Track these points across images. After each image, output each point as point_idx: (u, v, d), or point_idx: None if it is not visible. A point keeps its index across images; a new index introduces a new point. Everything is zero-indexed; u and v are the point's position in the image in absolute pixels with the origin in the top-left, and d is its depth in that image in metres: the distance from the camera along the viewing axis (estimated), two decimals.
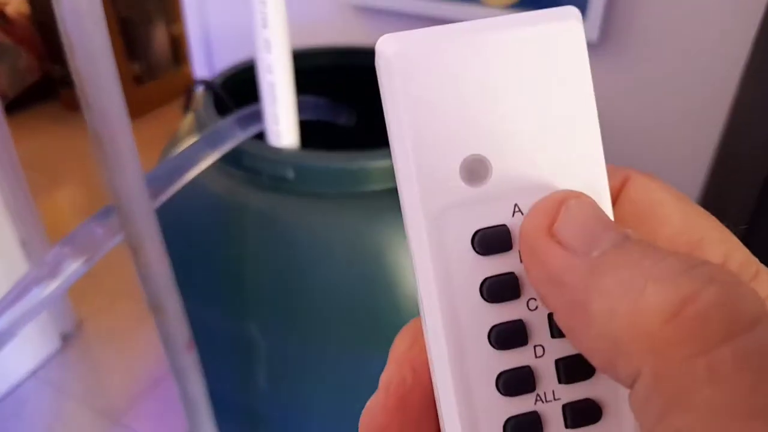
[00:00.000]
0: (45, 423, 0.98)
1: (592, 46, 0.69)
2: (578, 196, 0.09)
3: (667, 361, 0.08)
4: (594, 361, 0.09)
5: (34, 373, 1.07)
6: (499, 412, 0.11)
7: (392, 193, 0.46)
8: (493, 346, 0.11)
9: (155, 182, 0.42)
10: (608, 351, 0.09)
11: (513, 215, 0.10)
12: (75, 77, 0.32)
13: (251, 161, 0.47)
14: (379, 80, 0.10)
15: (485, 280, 0.10)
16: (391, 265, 0.44)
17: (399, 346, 0.12)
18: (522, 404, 0.11)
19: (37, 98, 2.04)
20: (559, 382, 0.11)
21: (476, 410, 0.11)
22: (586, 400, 0.11)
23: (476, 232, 0.10)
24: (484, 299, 0.10)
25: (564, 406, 0.11)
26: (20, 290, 0.39)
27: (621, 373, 0.09)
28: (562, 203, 0.09)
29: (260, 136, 0.49)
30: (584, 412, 0.10)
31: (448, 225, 0.10)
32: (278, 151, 0.47)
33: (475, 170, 0.10)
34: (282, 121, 0.47)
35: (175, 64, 2.16)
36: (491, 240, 0.10)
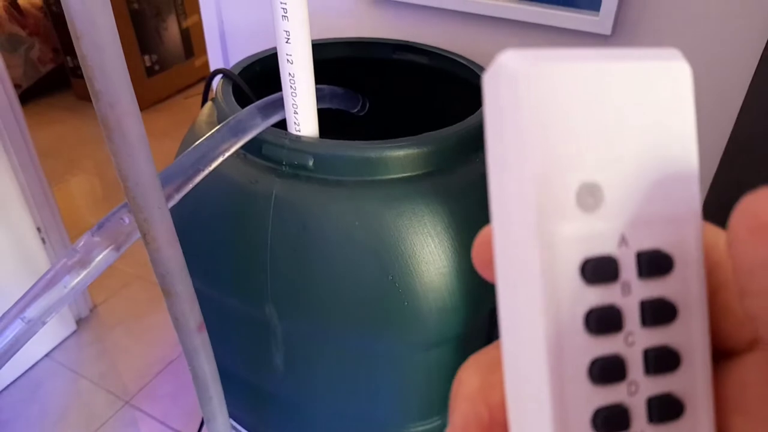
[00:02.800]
0: (60, 404, 1.01)
1: (604, 38, 0.70)
2: None
3: None
4: None
5: (49, 356, 1.10)
6: (588, 404, 0.10)
7: (409, 181, 0.47)
8: (592, 381, 0.10)
9: (180, 172, 0.43)
10: None
11: (619, 246, 0.10)
12: (82, 64, 0.32)
13: (271, 150, 0.48)
14: (489, 94, 0.10)
15: (591, 310, 0.10)
16: (408, 252, 0.45)
17: (469, 384, 0.12)
18: (612, 395, 0.11)
19: (51, 88, 2.07)
20: (649, 420, 0.11)
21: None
22: None
23: (586, 260, 0.10)
24: (588, 330, 0.10)
25: None
26: (51, 278, 0.40)
27: None
28: None
29: (280, 124, 0.50)
30: None
31: (559, 250, 0.10)
32: (298, 140, 0.48)
33: (589, 197, 0.10)
34: (302, 110, 0.48)
35: (186, 56, 2.17)
36: (601, 268, 0.10)
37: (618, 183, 0.10)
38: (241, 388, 0.60)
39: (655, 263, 0.10)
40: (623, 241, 0.10)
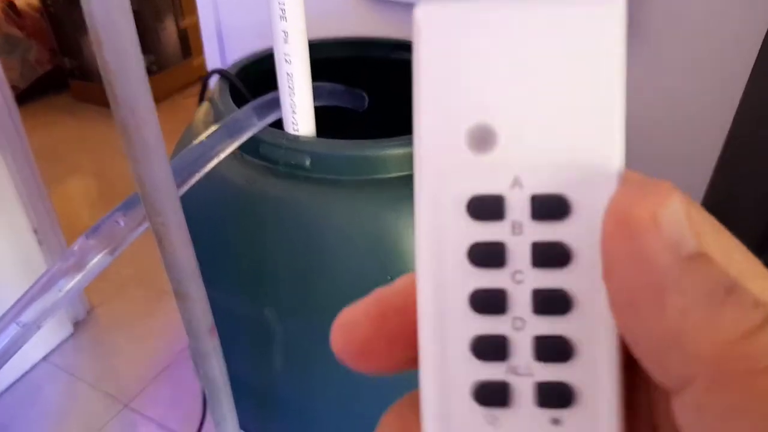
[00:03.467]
0: (57, 407, 1.00)
1: None
2: (680, 192, 0.09)
3: (730, 372, 0.08)
4: (640, 349, 0.09)
5: (46, 359, 1.09)
6: (468, 375, 0.11)
7: (407, 180, 0.47)
8: (473, 309, 0.11)
9: (176, 173, 0.43)
10: (665, 347, 0.09)
11: (512, 187, 0.10)
12: (102, 70, 0.33)
13: (268, 149, 0.48)
14: (413, 35, 0.11)
15: (474, 244, 0.11)
16: (406, 251, 0.45)
17: (405, 277, 0.12)
18: (493, 371, 0.11)
19: (48, 90, 2.06)
20: (535, 359, 0.11)
21: (448, 369, 0.11)
22: (560, 383, 0.11)
23: (472, 198, 0.10)
24: (471, 263, 0.11)
25: (537, 384, 0.11)
26: (46, 282, 0.40)
27: (671, 372, 0.09)
28: (670, 193, 0.09)
29: (276, 124, 0.50)
30: (556, 393, 0.11)
31: (446, 187, 0.10)
32: (295, 139, 0.48)
33: (482, 139, 0.10)
34: (299, 110, 0.48)
35: (184, 56, 2.17)
36: (486, 206, 0.10)
37: (515, 126, 0.10)
38: (243, 391, 0.60)
39: (550, 206, 0.10)
40: (517, 182, 0.10)
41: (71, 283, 0.40)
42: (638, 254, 0.09)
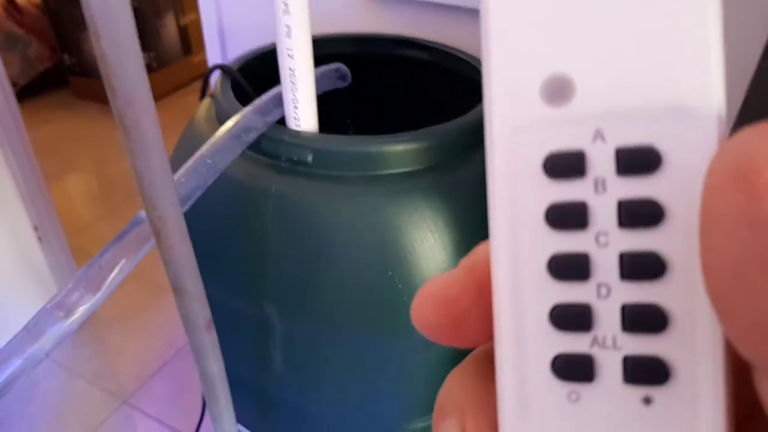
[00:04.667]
0: (56, 403, 1.00)
1: None
2: None
3: None
4: (735, 325, 0.08)
5: (46, 354, 1.09)
6: (548, 347, 0.10)
7: (410, 176, 0.47)
8: (552, 276, 0.10)
9: (188, 186, 0.43)
10: None
11: (593, 141, 0.09)
12: (100, 62, 0.32)
13: (270, 145, 0.48)
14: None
15: (552, 205, 0.10)
16: (409, 248, 0.44)
17: (486, 247, 0.11)
18: (575, 343, 0.10)
19: (48, 86, 2.06)
20: (624, 330, 0.09)
21: (526, 340, 0.10)
22: (653, 356, 0.09)
23: (549, 155, 0.09)
24: (549, 225, 0.10)
25: (625, 358, 0.10)
26: (35, 332, 0.39)
27: None
28: None
29: (278, 119, 0.50)
30: (648, 369, 0.09)
31: (521, 144, 0.10)
32: (297, 135, 0.48)
33: (559, 90, 0.09)
34: (302, 105, 0.48)
35: (184, 53, 2.17)
36: (565, 163, 0.09)
37: (593, 75, 0.09)
38: (241, 387, 0.60)
39: (638, 159, 0.09)
40: (598, 135, 0.09)
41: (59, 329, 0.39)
42: (755, 215, 0.07)
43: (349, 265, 0.45)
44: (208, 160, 0.45)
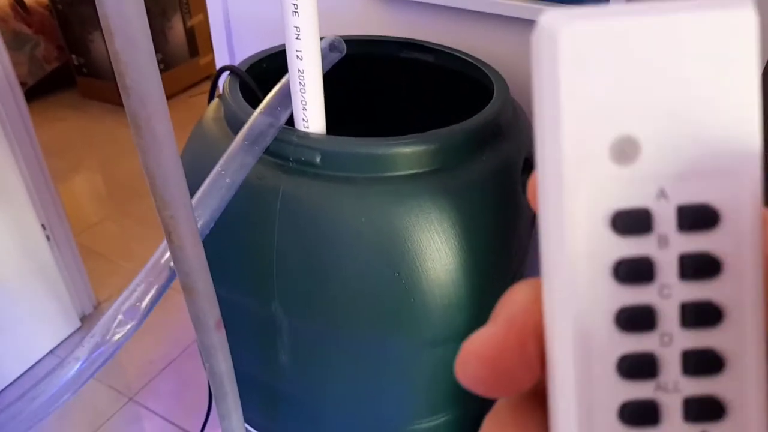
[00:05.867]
0: None
1: None
2: None
3: None
4: None
5: (53, 352, 1.10)
6: (616, 395, 0.11)
7: (416, 178, 0.47)
8: (619, 328, 0.10)
9: (208, 203, 0.44)
10: None
11: (657, 199, 0.10)
12: (114, 61, 0.33)
13: (279, 146, 0.48)
14: (535, 54, 0.11)
15: (620, 260, 0.10)
16: (414, 248, 0.45)
17: (522, 294, 0.12)
18: (641, 390, 0.10)
19: (56, 86, 2.07)
20: (684, 374, 0.10)
21: (593, 390, 0.11)
22: (710, 396, 0.10)
23: (618, 212, 0.10)
24: (617, 280, 0.10)
25: (685, 399, 0.10)
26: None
27: None
28: None
29: (287, 120, 0.50)
30: (706, 407, 0.10)
31: (589, 201, 0.10)
32: (306, 136, 0.48)
33: (626, 150, 0.10)
34: (310, 106, 0.49)
35: (191, 55, 2.18)
36: (632, 220, 0.10)
37: (658, 137, 0.10)
38: (248, 386, 0.60)
39: (697, 216, 0.10)
40: (662, 194, 0.10)
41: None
42: None
43: (356, 265, 0.46)
44: (227, 180, 0.45)
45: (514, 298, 0.12)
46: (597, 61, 0.10)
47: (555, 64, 0.10)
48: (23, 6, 2.00)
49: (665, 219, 0.10)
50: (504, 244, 0.52)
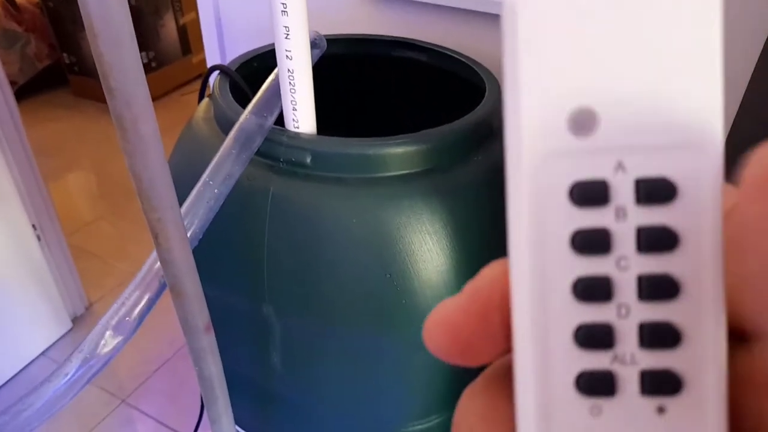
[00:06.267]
0: None
1: None
2: None
3: None
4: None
5: (45, 354, 1.09)
6: (572, 365, 0.11)
7: (408, 179, 0.47)
8: (576, 298, 0.11)
9: (200, 208, 0.44)
10: None
11: (615, 172, 0.10)
12: (97, 62, 0.32)
13: (269, 147, 0.48)
14: (502, 29, 0.11)
15: (577, 231, 0.10)
16: (406, 250, 0.44)
17: (492, 268, 0.12)
18: (597, 360, 0.11)
19: (48, 85, 2.05)
20: (641, 346, 0.10)
21: (550, 359, 0.11)
22: (667, 370, 0.10)
23: (575, 183, 0.10)
24: (574, 250, 0.10)
25: (642, 372, 0.10)
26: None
27: None
28: None
29: (277, 121, 0.50)
30: (663, 381, 0.10)
31: (547, 173, 0.10)
32: (296, 137, 0.48)
33: (583, 121, 0.10)
34: (300, 107, 0.48)
35: (183, 53, 2.16)
36: (590, 192, 0.10)
37: (616, 108, 0.10)
38: (240, 387, 0.60)
39: (655, 189, 0.10)
40: (620, 166, 0.10)
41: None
42: None
43: (347, 266, 0.45)
44: (216, 190, 0.45)
45: (483, 272, 0.12)
46: (555, 32, 0.10)
47: (515, 36, 0.10)
48: (13, 4, 1.98)
49: (623, 191, 0.10)
50: (496, 245, 0.52)
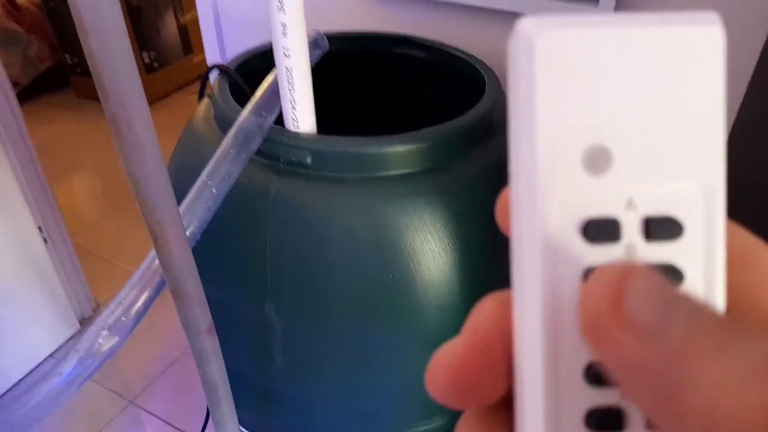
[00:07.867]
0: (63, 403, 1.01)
1: None
2: (642, 266, 0.09)
3: None
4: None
5: (53, 355, 1.10)
6: (581, 401, 0.11)
7: (409, 178, 0.46)
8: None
9: (198, 209, 0.43)
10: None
11: (626, 210, 0.11)
12: (90, 61, 0.31)
13: (269, 146, 0.47)
14: (510, 59, 0.11)
15: (589, 268, 0.11)
16: (407, 249, 0.44)
17: (487, 304, 0.12)
18: (606, 397, 0.11)
19: (50, 86, 2.06)
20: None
21: (560, 396, 0.11)
22: None
23: (588, 221, 0.11)
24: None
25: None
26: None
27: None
28: (626, 275, 0.09)
29: (277, 120, 0.49)
30: None
31: (561, 209, 0.11)
32: (296, 136, 0.47)
33: (597, 160, 0.10)
34: (300, 105, 0.48)
35: (185, 53, 2.16)
36: (602, 229, 0.11)
37: (629, 148, 0.10)
38: (242, 386, 0.60)
39: (663, 228, 0.11)
40: (631, 204, 0.11)
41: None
42: (624, 363, 0.09)
43: (348, 265, 0.45)
44: (214, 190, 0.45)
45: (480, 309, 0.12)
46: (572, 70, 0.10)
47: (531, 72, 0.10)
48: (14, 4, 1.98)
49: (633, 229, 0.11)
50: (498, 243, 0.51)
